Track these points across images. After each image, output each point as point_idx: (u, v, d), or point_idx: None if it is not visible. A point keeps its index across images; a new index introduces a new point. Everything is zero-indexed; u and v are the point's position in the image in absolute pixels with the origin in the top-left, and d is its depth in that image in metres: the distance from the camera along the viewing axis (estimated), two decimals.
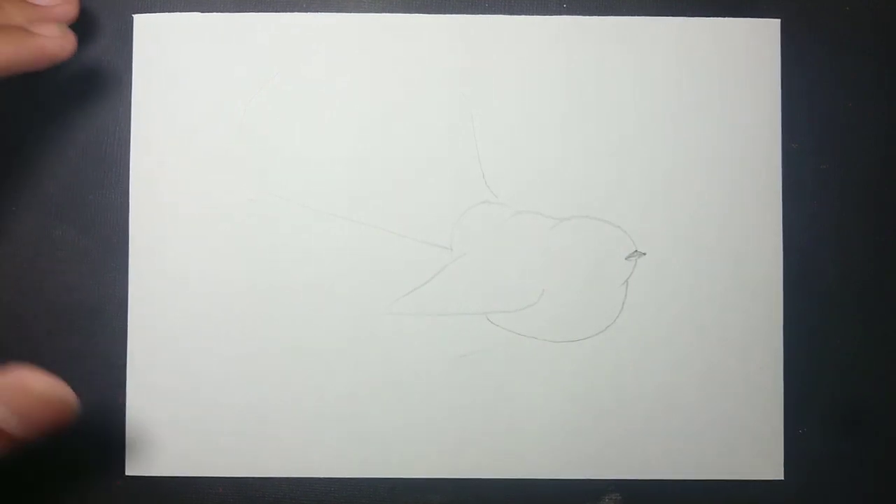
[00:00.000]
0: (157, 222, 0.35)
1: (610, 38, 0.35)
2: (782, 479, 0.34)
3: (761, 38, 0.35)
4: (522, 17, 0.35)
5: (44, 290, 0.35)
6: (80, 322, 0.35)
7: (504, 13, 0.35)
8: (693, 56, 0.35)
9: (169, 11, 0.35)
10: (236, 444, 0.34)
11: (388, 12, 0.35)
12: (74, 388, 0.34)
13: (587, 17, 0.35)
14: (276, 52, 0.35)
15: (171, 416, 0.34)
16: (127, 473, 0.34)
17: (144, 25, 0.35)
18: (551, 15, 0.35)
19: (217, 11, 0.35)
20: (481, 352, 0.35)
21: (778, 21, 0.35)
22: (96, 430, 0.34)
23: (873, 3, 0.36)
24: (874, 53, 0.36)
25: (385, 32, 0.35)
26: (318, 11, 0.35)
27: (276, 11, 0.35)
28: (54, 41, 0.31)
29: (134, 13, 0.35)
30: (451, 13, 0.35)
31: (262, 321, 0.35)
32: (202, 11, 0.35)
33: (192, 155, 0.35)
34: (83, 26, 0.34)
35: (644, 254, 0.34)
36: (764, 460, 0.34)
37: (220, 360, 0.34)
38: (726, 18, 0.35)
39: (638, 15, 0.35)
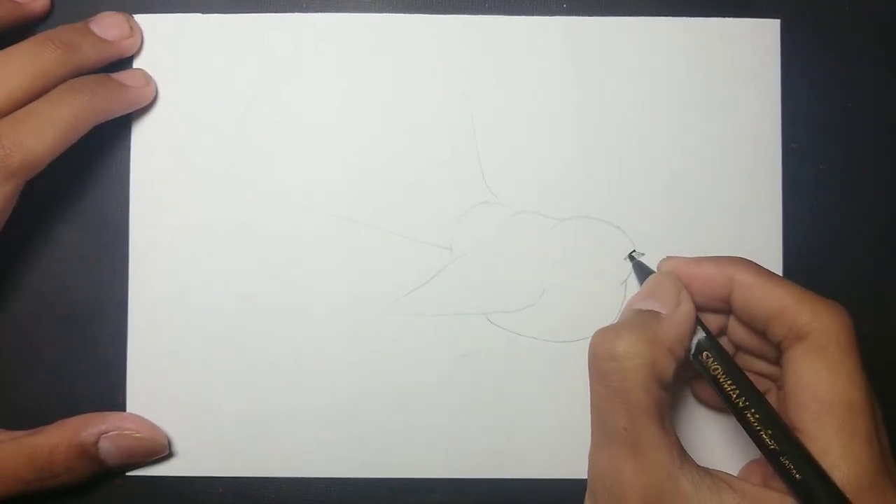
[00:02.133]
0: (156, 223, 0.35)
1: (610, 38, 0.35)
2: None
3: (761, 38, 0.35)
4: (522, 17, 0.35)
5: (44, 290, 0.35)
6: (80, 322, 0.35)
7: (504, 13, 0.35)
8: (693, 56, 0.35)
9: (169, 12, 0.35)
10: (236, 444, 0.34)
11: (388, 12, 0.35)
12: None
13: (587, 17, 0.35)
14: (276, 53, 0.35)
15: (170, 416, 0.34)
16: (127, 473, 0.34)
17: (144, 26, 0.35)
18: (551, 15, 0.35)
19: (217, 12, 0.35)
20: (481, 352, 0.35)
21: (778, 21, 0.35)
22: None
23: (873, 3, 0.36)
24: (874, 53, 0.36)
25: (385, 32, 0.35)
26: (318, 11, 0.35)
27: (275, 12, 0.35)
28: (142, 91, 0.34)
29: (134, 14, 0.35)
30: (452, 13, 0.35)
31: (262, 321, 0.35)
32: (202, 12, 0.35)
33: (191, 155, 0.35)
34: None
35: (643, 254, 0.34)
36: None
37: (220, 360, 0.34)
38: (726, 18, 0.35)
39: (638, 15, 0.35)
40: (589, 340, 0.33)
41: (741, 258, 0.30)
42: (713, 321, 0.31)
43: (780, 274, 0.35)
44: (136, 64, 0.35)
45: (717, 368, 0.28)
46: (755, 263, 0.29)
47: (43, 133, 0.31)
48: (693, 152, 0.35)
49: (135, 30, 0.34)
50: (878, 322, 0.35)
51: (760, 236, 0.35)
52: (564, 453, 0.34)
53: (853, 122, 0.36)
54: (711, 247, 0.35)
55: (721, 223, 0.35)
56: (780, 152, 0.35)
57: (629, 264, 0.35)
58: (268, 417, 0.34)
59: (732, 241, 0.35)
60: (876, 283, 0.36)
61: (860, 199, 0.36)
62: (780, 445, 0.26)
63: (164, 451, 0.34)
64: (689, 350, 0.29)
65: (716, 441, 0.34)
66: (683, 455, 0.27)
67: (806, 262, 0.35)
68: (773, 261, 0.35)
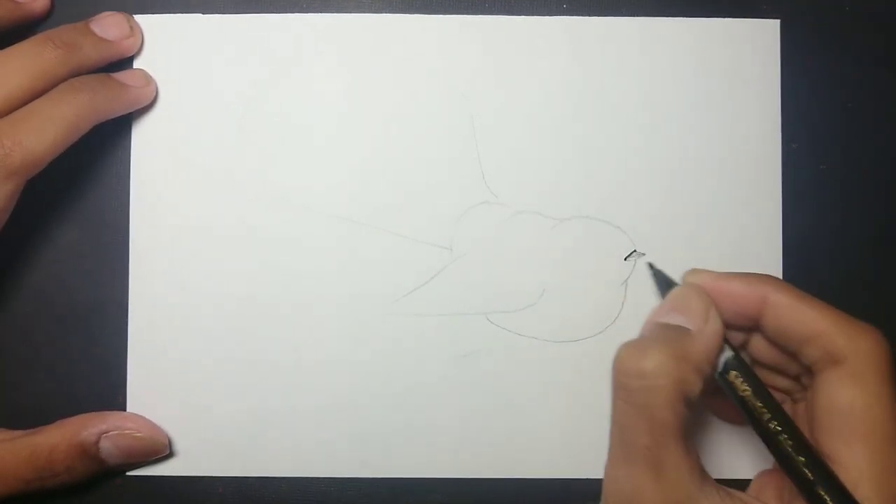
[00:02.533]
0: (156, 223, 0.35)
1: (610, 38, 0.35)
2: None
3: (761, 38, 0.35)
4: (522, 17, 0.35)
5: (44, 290, 0.35)
6: (80, 322, 0.35)
7: (504, 13, 0.35)
8: (693, 56, 0.35)
9: (169, 12, 0.35)
10: (236, 444, 0.34)
11: (388, 12, 0.35)
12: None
13: (587, 17, 0.35)
14: (276, 53, 0.35)
15: (170, 416, 0.34)
16: (127, 473, 0.34)
17: (145, 26, 0.35)
18: (551, 15, 0.35)
19: (217, 12, 0.35)
20: (481, 352, 0.35)
21: (778, 21, 0.35)
22: None
23: (873, 3, 0.36)
24: (874, 53, 0.36)
25: (385, 32, 0.35)
26: (318, 11, 0.35)
27: (276, 12, 0.35)
28: (142, 91, 0.34)
29: (134, 14, 0.35)
30: (452, 13, 0.35)
31: (262, 321, 0.35)
32: (202, 12, 0.35)
33: (191, 155, 0.35)
34: None
35: (643, 254, 0.34)
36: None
37: (220, 360, 0.34)
38: (726, 19, 0.35)
39: (637, 15, 0.35)
40: (589, 341, 0.33)
41: (772, 277, 0.29)
42: (733, 337, 0.30)
43: (781, 273, 0.35)
44: (137, 64, 0.35)
45: (747, 390, 0.27)
46: (788, 284, 0.28)
47: (43, 132, 0.31)
48: (693, 152, 0.35)
49: (135, 30, 0.34)
50: (878, 322, 0.35)
51: (760, 236, 0.35)
52: (564, 453, 0.34)
53: (853, 122, 0.36)
54: (711, 246, 0.35)
55: (721, 223, 0.35)
56: (780, 152, 0.35)
57: (629, 264, 0.34)
58: (268, 417, 0.34)
59: (732, 241, 0.35)
60: (876, 283, 0.36)
61: (860, 199, 0.36)
62: (815, 475, 0.25)
63: (164, 451, 0.34)
64: (717, 368, 0.28)
65: (724, 450, 0.34)
66: (704, 475, 0.26)
67: (806, 262, 0.35)
68: (773, 260, 0.35)
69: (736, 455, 0.34)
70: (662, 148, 0.35)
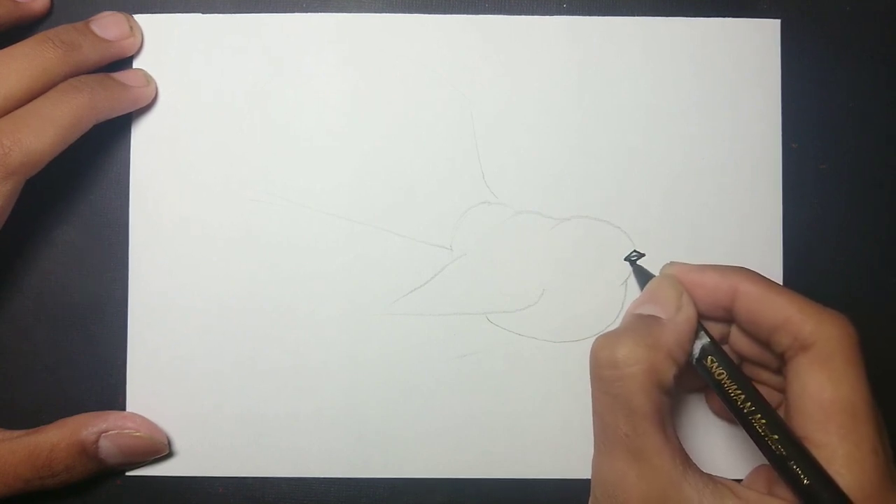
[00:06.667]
0: (156, 223, 0.35)
1: (610, 38, 0.35)
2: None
3: (761, 38, 0.35)
4: (522, 17, 0.35)
5: (44, 290, 0.35)
6: (80, 322, 0.35)
7: (504, 13, 0.35)
8: (693, 56, 0.35)
9: (169, 12, 0.35)
10: (236, 444, 0.34)
11: (389, 12, 0.35)
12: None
13: (587, 17, 0.35)
14: (276, 53, 0.35)
15: (170, 416, 0.34)
16: (127, 473, 0.34)
17: (144, 26, 0.35)
18: (551, 15, 0.35)
19: (217, 12, 0.35)
20: (481, 352, 0.35)
21: (778, 21, 0.35)
22: None
23: (873, 3, 0.36)
24: (874, 53, 0.36)
25: (385, 32, 0.35)
26: (318, 11, 0.35)
27: (276, 12, 0.35)
28: (142, 91, 0.34)
29: (134, 14, 0.35)
30: (452, 13, 0.35)
31: (262, 321, 0.35)
32: (202, 12, 0.35)
33: (191, 155, 0.35)
34: None
35: (643, 254, 0.34)
36: None
37: (220, 359, 0.34)
38: (726, 18, 0.35)
39: (638, 15, 0.35)
40: (589, 341, 0.33)
41: (744, 268, 0.29)
42: (714, 329, 0.31)
43: (781, 273, 0.35)
44: (136, 64, 0.35)
45: (722, 374, 0.28)
46: (759, 274, 0.29)
47: (43, 131, 0.31)
48: (693, 152, 0.35)
49: (135, 30, 0.34)
50: (878, 321, 0.35)
51: (761, 236, 0.35)
52: (564, 454, 0.34)
53: (853, 122, 0.36)
54: (712, 246, 0.35)
55: (721, 223, 0.35)
56: (780, 152, 0.35)
57: (630, 264, 0.34)
58: (268, 417, 0.34)
59: (733, 240, 0.35)
60: (876, 283, 0.36)
61: (860, 198, 0.36)
62: (786, 451, 0.26)
63: (164, 451, 0.34)
64: (692, 355, 0.29)
65: (721, 448, 0.34)
66: (686, 461, 0.27)
67: (806, 262, 0.35)
68: (774, 260, 0.35)
69: (737, 454, 0.34)
70: (662, 148, 0.35)
